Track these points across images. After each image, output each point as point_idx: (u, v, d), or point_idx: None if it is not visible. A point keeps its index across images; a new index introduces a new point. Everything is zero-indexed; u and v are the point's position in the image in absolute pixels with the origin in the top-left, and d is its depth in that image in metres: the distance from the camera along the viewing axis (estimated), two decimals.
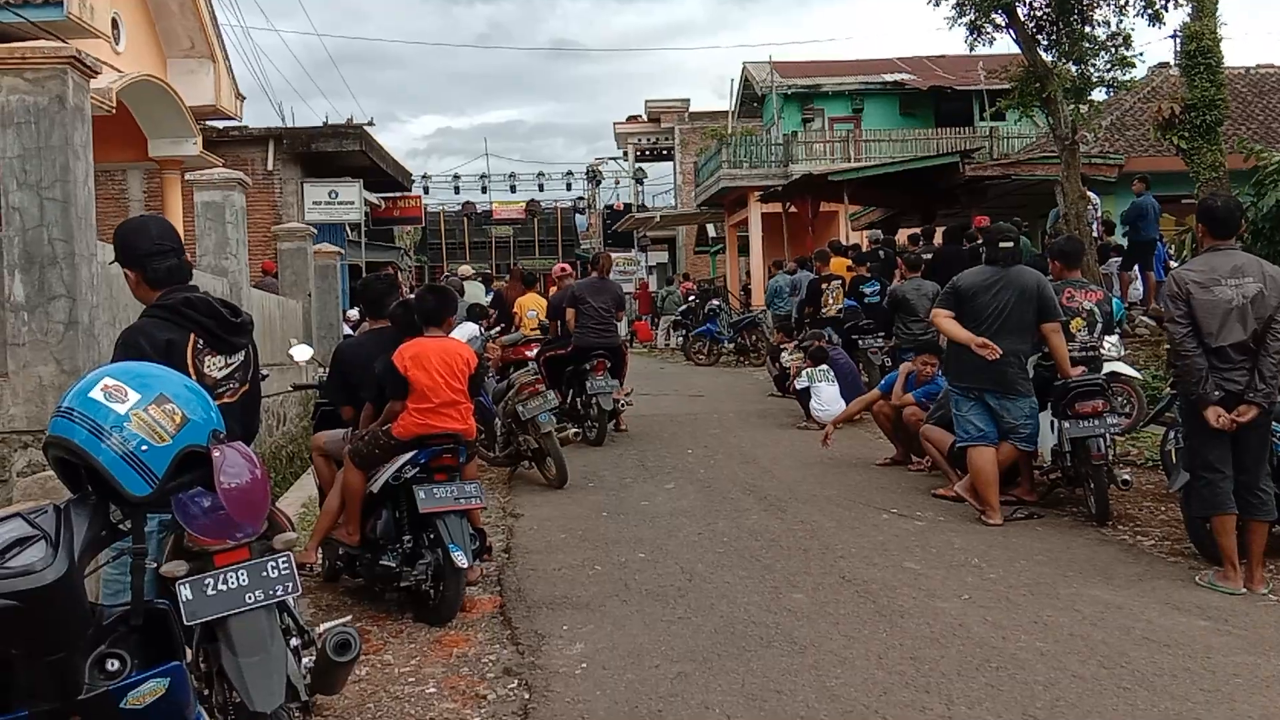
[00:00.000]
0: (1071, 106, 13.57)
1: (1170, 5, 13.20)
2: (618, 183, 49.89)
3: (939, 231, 16.95)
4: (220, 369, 3.80)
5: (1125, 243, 15.76)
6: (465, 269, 20.14)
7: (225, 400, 3.66)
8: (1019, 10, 13.47)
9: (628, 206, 45.84)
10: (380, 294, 6.61)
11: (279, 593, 3.07)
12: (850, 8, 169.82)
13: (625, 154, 47.10)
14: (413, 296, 6.71)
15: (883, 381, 9.77)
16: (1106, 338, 8.11)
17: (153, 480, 2.64)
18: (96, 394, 2.66)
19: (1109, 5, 13.43)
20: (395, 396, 5.60)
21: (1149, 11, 13.20)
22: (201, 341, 3.75)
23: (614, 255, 26.27)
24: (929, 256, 13.05)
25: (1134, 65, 14.06)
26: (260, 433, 9.90)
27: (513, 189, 51.03)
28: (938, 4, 13.84)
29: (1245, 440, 5.46)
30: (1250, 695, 4.13)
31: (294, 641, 3.22)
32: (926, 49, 47.37)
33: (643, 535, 6.89)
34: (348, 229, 22.47)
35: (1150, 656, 4.52)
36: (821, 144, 29.33)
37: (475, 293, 15.61)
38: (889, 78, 32.18)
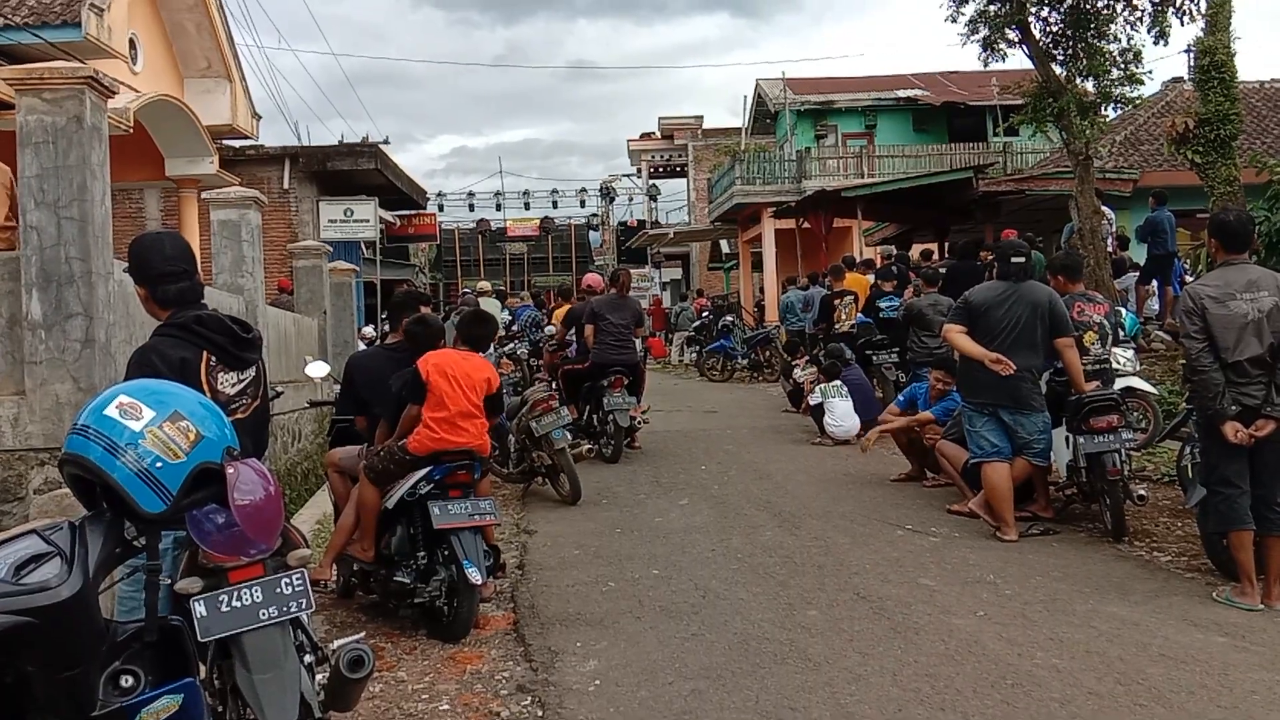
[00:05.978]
0: (1084, 123, 13.57)
1: (1186, 19, 13.21)
2: (631, 199, 50.02)
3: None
4: (233, 385, 3.82)
5: (1138, 256, 15.73)
6: (483, 285, 20.21)
7: (238, 416, 3.67)
8: (1033, 26, 13.50)
9: (641, 223, 45.92)
10: (394, 306, 6.64)
11: (293, 609, 3.08)
12: (863, 25, 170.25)
13: (639, 171, 47.17)
14: (428, 312, 6.73)
15: (899, 397, 9.75)
16: (1121, 352, 8.06)
17: (167, 497, 2.65)
18: (112, 411, 2.68)
19: (1121, 19, 13.45)
20: (413, 399, 5.62)
21: (1155, 30, 13.20)
22: (214, 358, 3.77)
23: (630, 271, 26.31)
24: (945, 271, 13.05)
25: (1143, 82, 14.06)
26: (275, 449, 10.00)
27: (526, 206, 51.16)
28: (954, 20, 13.90)
29: (1263, 455, 5.42)
30: (1268, 712, 4.10)
31: (308, 658, 3.22)
32: (940, 65, 47.35)
33: (656, 552, 6.88)
34: (363, 247, 22.57)
35: (1167, 673, 4.49)
36: (835, 160, 29.42)
37: (491, 308, 15.66)
38: (902, 94, 32.22)
